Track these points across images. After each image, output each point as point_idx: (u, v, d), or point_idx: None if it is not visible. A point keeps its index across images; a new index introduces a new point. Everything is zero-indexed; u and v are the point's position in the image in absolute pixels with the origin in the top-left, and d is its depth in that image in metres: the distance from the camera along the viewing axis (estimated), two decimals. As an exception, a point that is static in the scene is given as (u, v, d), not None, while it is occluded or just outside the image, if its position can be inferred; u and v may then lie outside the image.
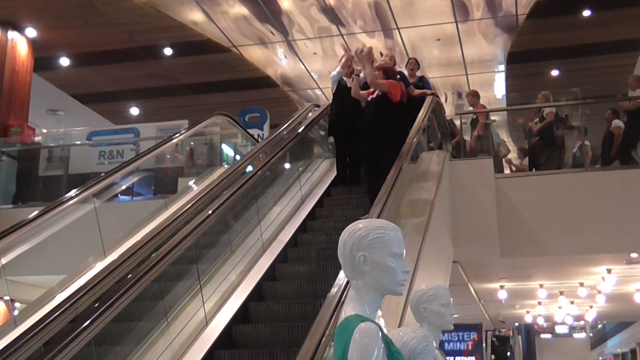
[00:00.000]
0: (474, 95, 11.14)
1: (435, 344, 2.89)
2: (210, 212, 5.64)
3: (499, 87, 16.18)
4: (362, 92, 7.86)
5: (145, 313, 5.13)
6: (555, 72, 14.92)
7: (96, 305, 4.16)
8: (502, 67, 15.07)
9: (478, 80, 15.61)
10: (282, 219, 7.44)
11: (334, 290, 3.73)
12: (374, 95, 7.51)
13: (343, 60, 8.80)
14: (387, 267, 2.14)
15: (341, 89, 8.55)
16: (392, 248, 2.16)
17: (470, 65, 14.91)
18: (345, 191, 8.39)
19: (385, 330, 2.14)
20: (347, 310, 2.13)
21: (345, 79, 8.60)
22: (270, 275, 6.35)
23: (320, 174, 9.25)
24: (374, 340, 1.98)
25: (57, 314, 4.14)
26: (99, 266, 5.99)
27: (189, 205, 5.89)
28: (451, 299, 3.24)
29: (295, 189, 8.22)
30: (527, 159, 11.15)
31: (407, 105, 7.82)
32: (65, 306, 4.21)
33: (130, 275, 4.54)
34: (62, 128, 14.81)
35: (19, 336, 3.92)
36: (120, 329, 4.83)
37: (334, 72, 8.85)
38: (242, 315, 5.59)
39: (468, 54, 14.42)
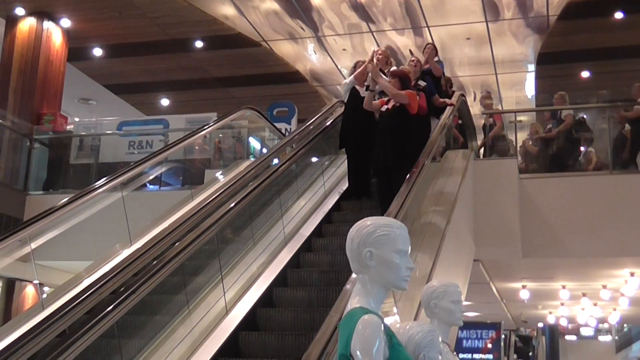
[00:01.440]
0: (486, 98, 11.19)
1: (442, 339, 2.99)
2: (232, 204, 5.78)
3: (529, 87, 16.13)
4: (374, 102, 7.34)
5: (167, 303, 5.28)
6: (585, 74, 14.83)
7: (121, 289, 4.32)
8: (532, 67, 15.02)
9: (508, 80, 15.59)
10: (305, 212, 7.59)
11: (348, 285, 3.83)
12: (389, 106, 7.05)
13: (361, 68, 8.16)
14: (392, 263, 2.24)
15: (353, 98, 8.05)
16: (398, 245, 2.26)
17: (499, 65, 14.88)
18: (356, 206, 7.83)
19: (389, 324, 2.25)
20: (353, 303, 2.24)
21: (358, 87, 8.10)
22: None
23: (345, 169, 9.34)
24: (376, 331, 2.09)
25: (82, 298, 4.30)
26: (125, 253, 6.16)
27: (213, 197, 6.03)
28: (462, 297, 3.34)
29: (319, 184, 8.33)
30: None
31: (426, 115, 7.50)
32: (90, 291, 4.37)
33: (154, 263, 4.69)
34: (94, 117, 15.12)
35: (46, 318, 4.08)
36: (142, 317, 4.97)
37: (347, 80, 8.48)
38: (267, 299, 5.86)
39: (498, 54, 14.39)
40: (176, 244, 5.02)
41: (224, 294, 5.51)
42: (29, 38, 12.75)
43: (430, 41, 13.64)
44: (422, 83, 8.11)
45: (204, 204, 5.80)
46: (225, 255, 5.89)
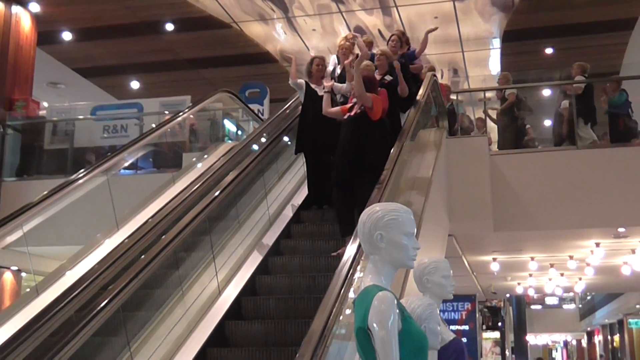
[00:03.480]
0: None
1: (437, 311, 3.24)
2: (217, 193, 5.97)
3: (494, 65, 16.45)
4: (333, 109, 6.82)
5: (162, 282, 5.46)
6: (549, 51, 15.19)
7: (123, 276, 4.51)
8: (497, 45, 15.32)
9: (474, 57, 15.88)
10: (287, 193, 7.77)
11: (341, 265, 4.00)
12: (352, 113, 6.48)
13: (316, 60, 7.61)
14: (400, 244, 2.49)
15: (310, 98, 7.39)
16: (405, 228, 2.50)
17: (466, 43, 15.15)
18: (317, 216, 7.37)
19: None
20: (366, 281, 2.48)
21: (314, 86, 7.43)
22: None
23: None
24: (391, 306, 2.33)
25: (85, 284, 4.48)
26: (116, 239, 6.31)
27: (199, 183, 6.21)
28: (451, 271, 3.59)
29: (299, 164, 8.48)
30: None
31: (388, 117, 6.90)
32: (91, 278, 4.54)
33: (152, 249, 4.88)
34: (66, 102, 15.06)
35: (54, 301, 4.25)
36: (140, 296, 5.15)
37: (290, 82, 7.69)
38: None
39: (464, 32, 14.65)
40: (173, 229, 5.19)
41: (216, 274, 5.74)
42: (-2, 23, 12.66)
43: (398, 19, 13.91)
44: (387, 78, 7.52)
45: (194, 188, 5.97)
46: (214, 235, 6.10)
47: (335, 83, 7.50)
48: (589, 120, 10.27)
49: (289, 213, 7.50)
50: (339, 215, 6.48)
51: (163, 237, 5.14)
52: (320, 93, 7.19)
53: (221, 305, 5.62)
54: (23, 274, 11.36)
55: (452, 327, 13.07)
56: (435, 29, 9.28)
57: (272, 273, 6.31)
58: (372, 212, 2.53)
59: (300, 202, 7.73)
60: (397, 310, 2.36)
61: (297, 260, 6.38)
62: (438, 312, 3.10)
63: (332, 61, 8.44)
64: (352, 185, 6.25)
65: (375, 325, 2.30)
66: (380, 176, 5.41)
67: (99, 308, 4.18)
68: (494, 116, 11.41)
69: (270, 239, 6.83)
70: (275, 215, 7.31)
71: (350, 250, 4.02)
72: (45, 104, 14.72)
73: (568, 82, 10.83)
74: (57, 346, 3.86)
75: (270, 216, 7.19)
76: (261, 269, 6.29)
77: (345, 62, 7.52)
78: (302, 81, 7.58)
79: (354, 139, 6.35)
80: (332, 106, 7.04)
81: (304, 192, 7.85)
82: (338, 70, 8.14)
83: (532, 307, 32.41)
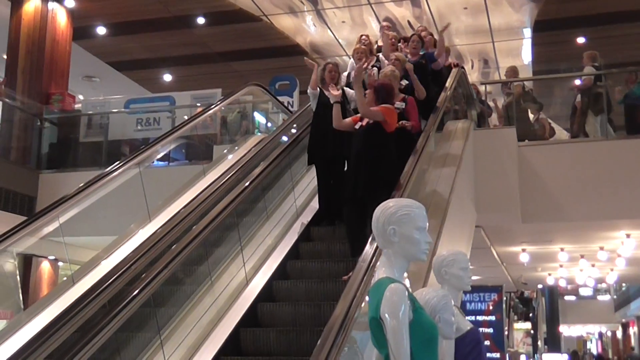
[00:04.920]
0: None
1: (453, 303, 3.35)
2: (247, 183, 6.13)
3: (525, 55, 16.37)
4: (346, 120, 6.20)
5: (191, 274, 5.65)
6: (581, 40, 15.07)
7: (154, 265, 4.69)
8: (528, 35, 15.25)
9: (505, 48, 15.82)
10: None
11: (363, 256, 4.11)
12: (364, 123, 5.96)
13: (329, 66, 7.04)
14: (412, 239, 2.61)
15: (322, 106, 6.87)
16: (417, 223, 2.63)
17: (496, 33, 15.11)
18: (328, 233, 6.84)
19: (410, 290, 2.61)
20: (380, 273, 2.61)
21: (327, 93, 6.66)
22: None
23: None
24: (402, 297, 2.46)
25: (118, 273, 4.68)
26: (148, 230, 6.51)
27: (229, 174, 6.38)
28: (469, 264, 3.70)
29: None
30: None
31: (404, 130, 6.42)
32: (123, 269, 4.73)
33: (182, 240, 5.07)
34: (100, 94, 15.42)
35: (90, 290, 4.46)
36: (169, 288, 5.34)
37: (309, 91, 7.34)
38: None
39: (495, 22, 14.62)
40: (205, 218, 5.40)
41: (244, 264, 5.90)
42: (35, 19, 12.91)
43: (428, 11, 13.92)
44: (403, 83, 7.18)
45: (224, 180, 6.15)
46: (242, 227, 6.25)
47: (347, 89, 7.07)
48: (599, 113, 10.23)
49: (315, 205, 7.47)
50: (350, 235, 5.99)
51: (194, 227, 5.32)
52: (332, 101, 6.47)
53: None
54: (60, 263, 11.69)
55: (479, 318, 13.11)
56: (448, 25, 9.12)
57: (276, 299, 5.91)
58: (386, 208, 2.66)
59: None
60: (409, 302, 2.48)
61: (303, 285, 5.88)
62: (452, 303, 3.21)
63: (349, 65, 8.20)
64: (365, 203, 5.66)
65: (387, 315, 2.43)
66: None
67: (131, 297, 4.35)
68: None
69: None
70: (303, 207, 7.41)
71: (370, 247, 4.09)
72: (81, 97, 15.08)
73: (577, 74, 10.79)
74: (92, 332, 4.04)
75: (298, 208, 7.29)
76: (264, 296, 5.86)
77: (356, 67, 6.78)
78: (317, 89, 7.16)
79: (366, 153, 5.81)
80: (346, 116, 6.46)
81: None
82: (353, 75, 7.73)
83: (566, 297, 32.15)
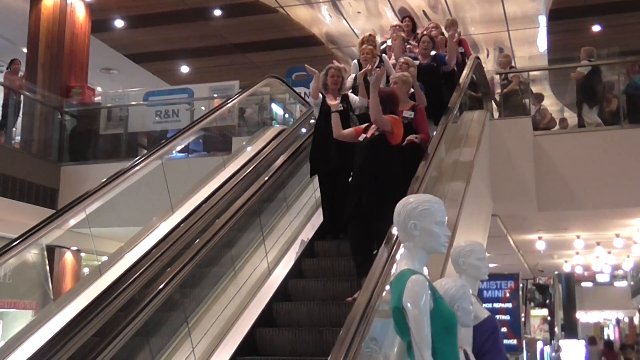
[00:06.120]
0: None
1: (471, 292, 3.49)
2: (266, 178, 6.29)
3: (541, 43, 16.37)
4: (346, 131, 5.93)
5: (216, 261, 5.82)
6: (597, 28, 15.06)
7: (180, 258, 4.87)
8: (544, 23, 15.25)
9: (520, 36, 15.83)
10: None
11: (381, 250, 4.21)
12: (368, 135, 5.65)
13: (331, 70, 6.63)
14: (432, 232, 2.76)
15: (325, 115, 6.38)
16: (437, 217, 2.77)
17: (512, 22, 15.12)
18: (333, 249, 6.48)
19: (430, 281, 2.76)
20: (401, 265, 2.76)
21: (329, 101, 6.35)
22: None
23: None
24: (423, 288, 2.61)
25: (148, 264, 4.87)
26: (171, 222, 6.69)
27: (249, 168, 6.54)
28: (486, 253, 3.83)
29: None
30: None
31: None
32: (154, 258, 4.92)
33: (209, 229, 5.25)
34: (118, 86, 15.58)
35: (118, 280, 4.64)
36: (196, 275, 5.50)
37: (310, 101, 7.04)
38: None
39: (510, 10, 14.63)
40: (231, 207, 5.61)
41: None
42: (54, 13, 13.08)
43: (443, 1, 13.95)
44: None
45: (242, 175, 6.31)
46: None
47: (351, 95, 6.73)
48: (593, 105, 10.36)
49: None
50: (354, 254, 5.61)
51: (217, 220, 5.48)
52: (334, 109, 6.11)
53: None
54: (82, 254, 11.92)
55: (496, 305, 13.23)
56: (459, 34, 8.48)
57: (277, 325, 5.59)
58: (407, 203, 2.80)
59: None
60: (429, 292, 2.63)
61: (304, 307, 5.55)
62: (470, 292, 3.35)
63: (352, 67, 7.72)
64: (369, 220, 5.41)
65: (409, 305, 2.59)
66: None
67: (159, 288, 4.53)
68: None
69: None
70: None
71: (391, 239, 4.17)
72: (99, 89, 15.28)
73: (572, 65, 10.95)
74: (125, 321, 4.24)
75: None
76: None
77: (359, 73, 6.79)
78: (320, 98, 6.73)
79: (369, 167, 5.48)
80: (349, 125, 6.24)
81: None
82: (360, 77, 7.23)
83: (583, 284, 32.11)
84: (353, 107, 6.62)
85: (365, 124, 5.85)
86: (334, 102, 6.07)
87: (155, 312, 4.54)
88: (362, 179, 5.48)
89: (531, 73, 11.80)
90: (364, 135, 5.65)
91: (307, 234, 6.82)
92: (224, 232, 5.46)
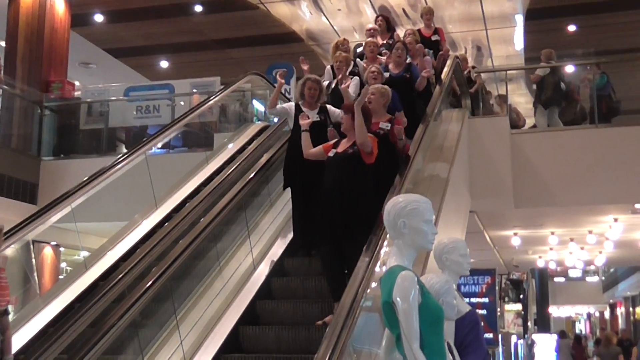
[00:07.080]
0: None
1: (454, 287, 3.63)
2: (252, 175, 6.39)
3: (518, 42, 16.59)
4: (314, 150, 5.64)
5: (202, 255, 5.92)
6: (572, 28, 15.31)
7: (172, 251, 4.98)
8: (521, 22, 15.47)
9: (498, 35, 16.04)
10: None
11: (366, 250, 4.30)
12: (339, 150, 5.37)
13: (308, 83, 6.36)
14: (421, 230, 2.90)
15: (298, 127, 6.05)
16: (425, 216, 2.91)
17: (489, 21, 15.31)
18: (304, 266, 6.30)
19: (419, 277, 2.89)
20: (391, 262, 2.89)
21: (306, 110, 6.24)
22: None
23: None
24: (412, 283, 2.75)
25: (135, 261, 4.95)
26: (154, 218, 6.78)
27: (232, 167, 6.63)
28: (468, 250, 3.97)
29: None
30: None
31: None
32: (143, 254, 5.01)
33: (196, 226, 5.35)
34: (98, 81, 15.55)
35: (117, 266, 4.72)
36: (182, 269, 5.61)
37: (284, 105, 6.88)
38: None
39: (487, 9, 14.81)
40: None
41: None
42: (33, 6, 12.95)
43: (423, 0, 14.10)
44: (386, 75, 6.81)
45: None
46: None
47: (330, 107, 6.51)
48: (548, 106, 10.78)
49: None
50: (328, 276, 5.34)
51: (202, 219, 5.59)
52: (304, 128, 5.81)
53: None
54: (61, 249, 11.91)
55: (473, 300, 13.51)
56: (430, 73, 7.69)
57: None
58: (396, 203, 2.94)
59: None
60: (418, 287, 2.77)
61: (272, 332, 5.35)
62: (454, 287, 3.49)
63: (326, 74, 7.62)
64: (341, 242, 5.14)
65: (398, 299, 2.72)
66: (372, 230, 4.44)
67: (147, 286, 4.64)
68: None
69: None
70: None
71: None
72: (77, 83, 15.21)
73: (533, 66, 11.38)
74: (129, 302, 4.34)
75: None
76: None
77: (342, 87, 6.58)
78: (287, 105, 6.71)
79: (342, 185, 5.18)
80: (326, 137, 6.08)
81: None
82: (333, 85, 7.23)
83: (556, 279, 32.63)
84: (332, 120, 6.43)
85: (335, 139, 5.66)
86: (304, 121, 5.80)
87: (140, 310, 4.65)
88: (334, 197, 5.18)
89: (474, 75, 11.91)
90: (334, 151, 5.39)
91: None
92: (209, 231, 5.56)
